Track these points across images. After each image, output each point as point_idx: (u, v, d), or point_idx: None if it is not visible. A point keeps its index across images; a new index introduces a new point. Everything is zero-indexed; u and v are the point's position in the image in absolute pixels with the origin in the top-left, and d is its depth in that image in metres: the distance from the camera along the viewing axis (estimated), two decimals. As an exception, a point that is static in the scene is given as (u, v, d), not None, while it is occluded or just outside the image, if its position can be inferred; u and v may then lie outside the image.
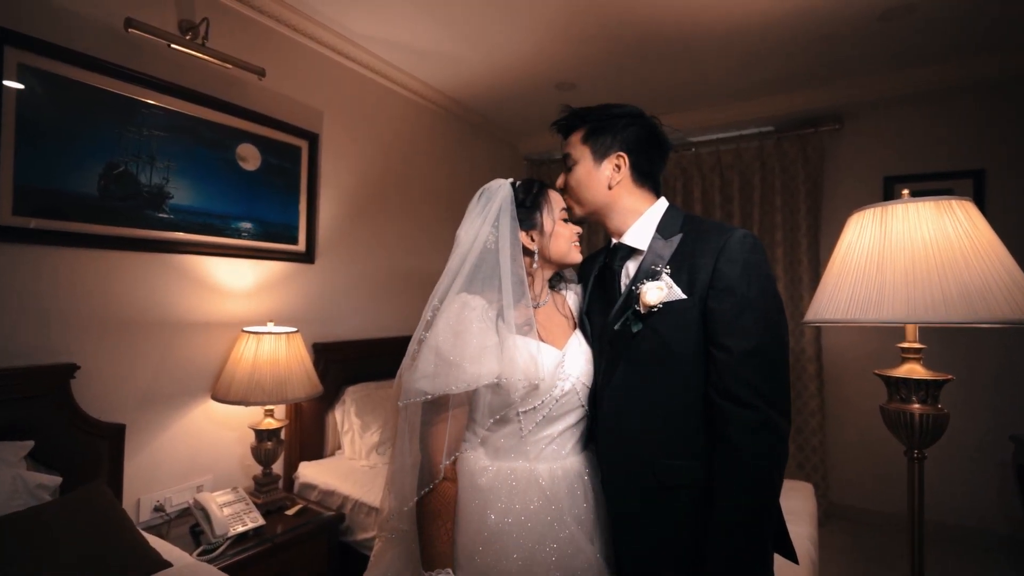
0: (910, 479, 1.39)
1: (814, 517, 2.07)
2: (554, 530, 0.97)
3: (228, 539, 1.70)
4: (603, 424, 1.04)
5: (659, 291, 0.97)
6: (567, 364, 1.06)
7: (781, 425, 0.91)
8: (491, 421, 1.02)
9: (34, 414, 1.55)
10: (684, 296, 0.97)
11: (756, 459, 0.89)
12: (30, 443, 1.49)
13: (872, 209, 1.37)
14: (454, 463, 1.00)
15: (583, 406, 1.07)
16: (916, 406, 1.33)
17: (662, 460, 0.98)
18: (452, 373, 0.93)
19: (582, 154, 1.11)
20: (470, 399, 1.01)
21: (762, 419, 0.89)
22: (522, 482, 1.00)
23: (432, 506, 0.96)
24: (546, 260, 1.12)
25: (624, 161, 1.09)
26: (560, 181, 1.17)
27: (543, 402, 1.02)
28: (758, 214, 3.39)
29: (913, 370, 1.36)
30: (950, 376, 1.33)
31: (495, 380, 0.95)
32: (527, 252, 1.09)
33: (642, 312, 0.99)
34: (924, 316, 1.18)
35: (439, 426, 0.97)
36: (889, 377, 1.38)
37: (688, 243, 1.01)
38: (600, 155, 1.09)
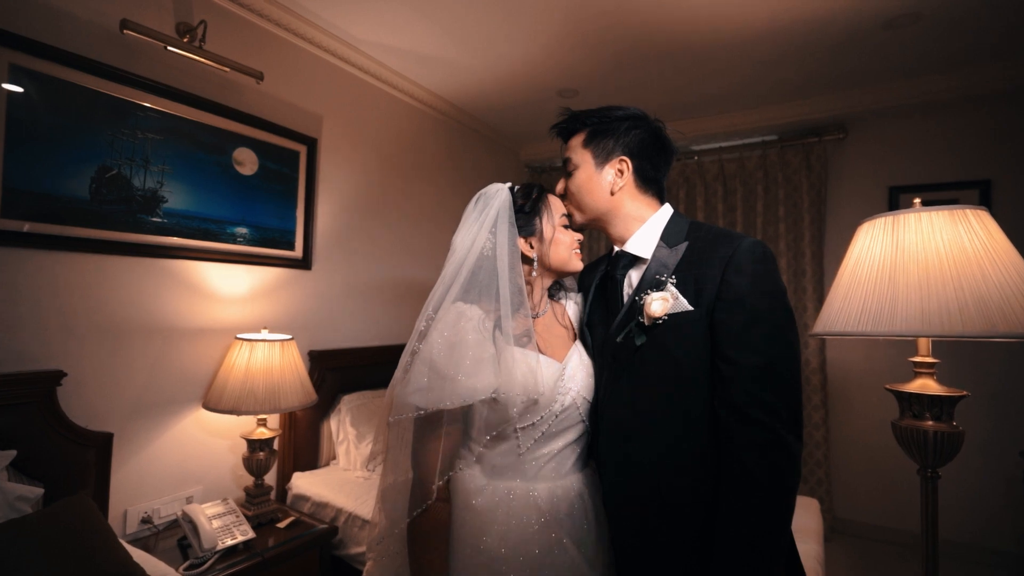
0: (923, 498, 1.34)
1: (820, 534, 2.01)
2: (553, 555, 0.92)
3: (216, 553, 1.65)
4: (605, 441, 0.99)
5: (664, 302, 0.93)
6: (567, 377, 1.01)
7: (792, 444, 0.86)
8: (487, 438, 0.97)
9: (17, 422, 1.51)
10: (690, 308, 0.92)
11: (765, 480, 0.84)
12: (12, 452, 1.45)
13: (883, 218, 1.32)
14: (448, 482, 0.95)
15: (584, 422, 1.03)
16: (930, 423, 1.28)
17: (666, 479, 0.93)
18: (446, 387, 0.88)
19: (583, 159, 1.07)
20: (465, 415, 0.96)
21: (772, 438, 0.85)
22: (519, 502, 0.95)
23: (424, 529, 0.91)
24: (545, 268, 1.08)
25: (627, 166, 1.04)
26: (560, 186, 1.13)
27: (542, 418, 0.97)
28: (761, 224, 3.36)
29: (926, 385, 1.31)
30: (965, 392, 1.28)
31: (492, 395, 0.91)
32: (526, 259, 1.05)
33: (646, 324, 0.95)
34: (939, 329, 1.13)
35: (432, 443, 0.93)
36: (901, 392, 1.33)
37: (694, 252, 0.97)
38: (602, 159, 1.05)
